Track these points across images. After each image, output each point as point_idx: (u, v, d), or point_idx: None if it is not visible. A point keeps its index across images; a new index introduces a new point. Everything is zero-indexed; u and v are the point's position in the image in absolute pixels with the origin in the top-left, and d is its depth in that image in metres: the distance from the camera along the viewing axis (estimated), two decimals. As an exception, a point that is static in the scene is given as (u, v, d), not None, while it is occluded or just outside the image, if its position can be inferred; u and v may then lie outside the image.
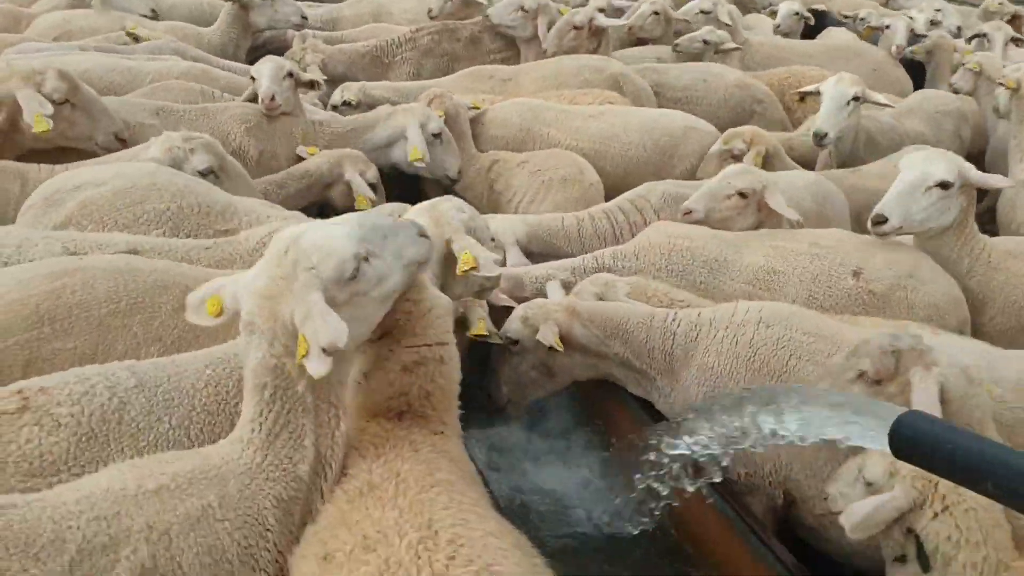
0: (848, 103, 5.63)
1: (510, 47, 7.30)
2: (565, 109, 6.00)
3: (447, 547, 2.06)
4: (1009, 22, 9.44)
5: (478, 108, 5.86)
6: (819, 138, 5.57)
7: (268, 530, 2.30)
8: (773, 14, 9.52)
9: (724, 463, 2.98)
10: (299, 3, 7.58)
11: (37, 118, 4.45)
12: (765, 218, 4.53)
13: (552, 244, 4.67)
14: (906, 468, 2.59)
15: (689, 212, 4.46)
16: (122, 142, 4.80)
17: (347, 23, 8.45)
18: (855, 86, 5.65)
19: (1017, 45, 8.34)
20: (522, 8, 7.08)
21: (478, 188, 5.52)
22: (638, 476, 3.19)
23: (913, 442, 2.03)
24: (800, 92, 6.49)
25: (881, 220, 4.13)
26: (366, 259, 2.35)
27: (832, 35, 9.31)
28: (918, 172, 4.14)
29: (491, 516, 2.33)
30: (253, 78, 5.28)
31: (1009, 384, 3.36)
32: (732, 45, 7.65)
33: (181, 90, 5.52)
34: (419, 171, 5.44)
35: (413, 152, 5.11)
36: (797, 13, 8.92)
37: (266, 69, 5.16)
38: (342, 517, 2.24)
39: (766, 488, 3.43)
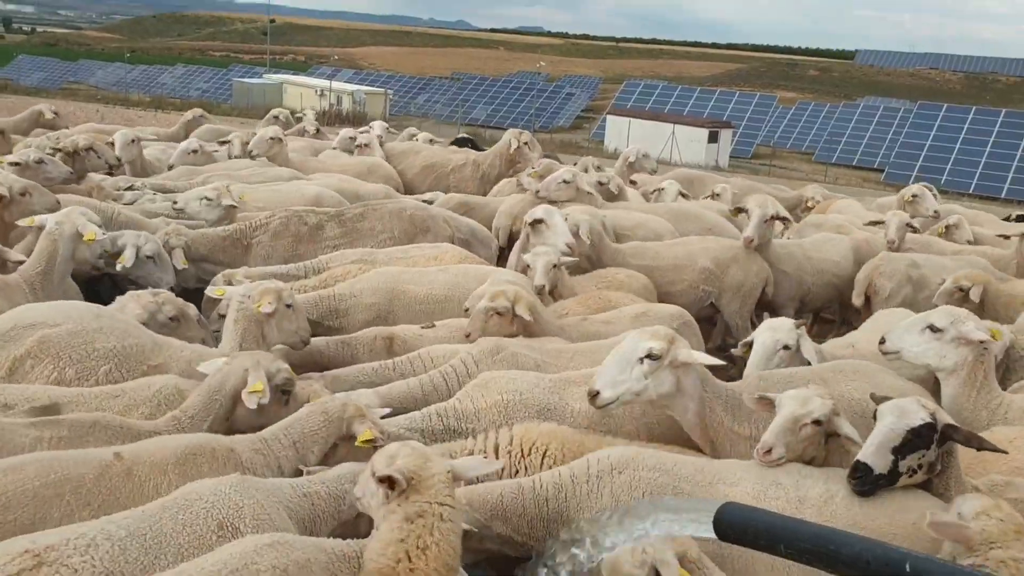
0: (641, 361, 4.34)
1: (346, 235, 8.01)
2: (419, 269, 6.92)
3: None
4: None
5: None
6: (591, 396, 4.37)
7: None
8: None
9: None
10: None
11: None
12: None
13: (402, 407, 5.07)
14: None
15: (769, 451, 3.99)
16: None
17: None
18: (653, 340, 4.36)
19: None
20: None
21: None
22: None
23: (731, 526, 2.88)
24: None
25: (882, 341, 5.04)
26: None
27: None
28: (924, 313, 5.03)
29: None
30: None
31: None
32: None
33: None
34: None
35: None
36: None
37: None
38: None
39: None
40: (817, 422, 4.01)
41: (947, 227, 10.03)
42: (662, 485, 3.84)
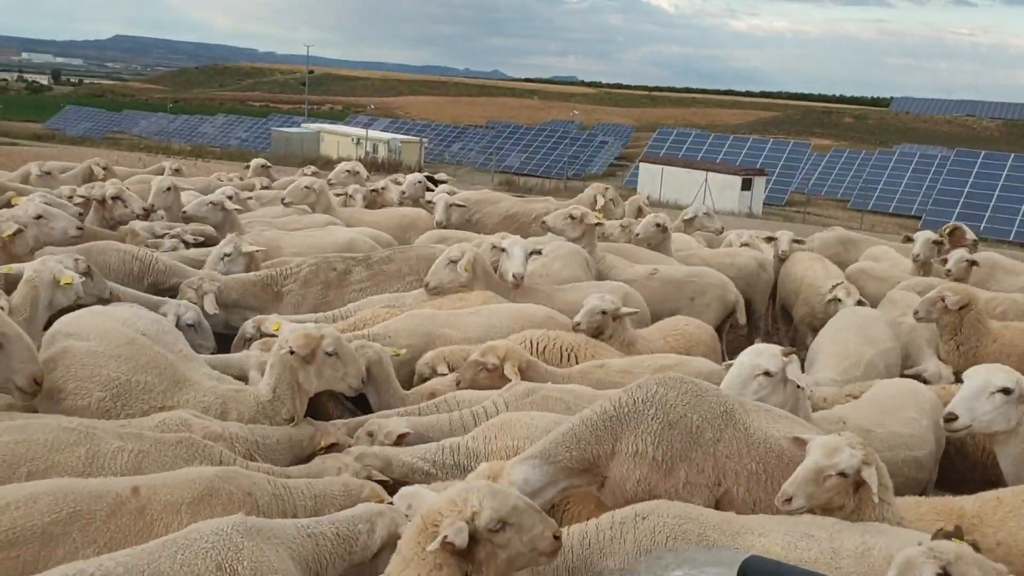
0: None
1: (373, 278, 8.04)
2: (452, 312, 6.98)
3: None
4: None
5: (399, 355, 6.26)
6: None
7: None
8: None
9: None
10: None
11: None
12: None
13: (427, 436, 5.15)
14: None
15: (789, 500, 3.93)
16: None
17: (241, 257, 8.42)
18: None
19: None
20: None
21: None
22: None
23: None
24: None
25: (952, 418, 4.92)
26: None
27: None
28: (981, 379, 4.95)
29: None
30: None
31: None
32: None
33: None
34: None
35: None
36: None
37: None
38: None
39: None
40: (843, 474, 3.90)
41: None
42: (687, 531, 3.75)
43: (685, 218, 12.42)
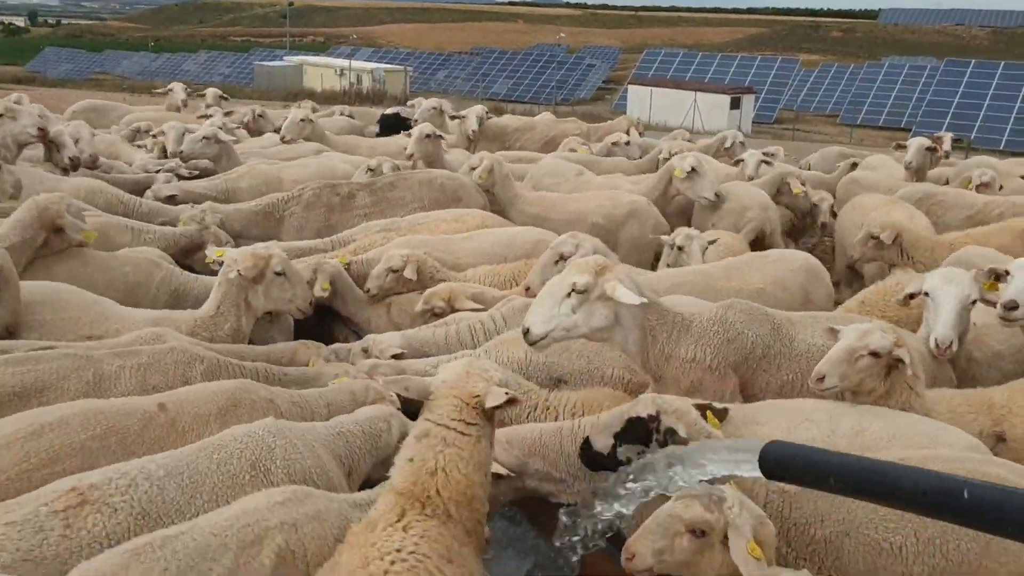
0: (568, 295, 4.23)
1: (377, 204, 8.12)
2: (446, 237, 7.11)
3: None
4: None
5: (346, 263, 6.56)
6: (524, 334, 4.39)
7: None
8: None
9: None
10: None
11: None
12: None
13: (423, 351, 5.33)
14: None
15: (821, 379, 4.07)
16: None
17: (243, 193, 8.70)
18: (579, 274, 4.30)
19: None
20: None
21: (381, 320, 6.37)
22: (559, 543, 3.59)
23: (776, 463, 2.79)
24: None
25: (1014, 305, 4.81)
26: None
27: None
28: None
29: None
30: None
31: None
32: None
33: None
34: None
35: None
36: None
37: None
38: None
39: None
40: (875, 354, 4.00)
41: (979, 186, 9.41)
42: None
43: (725, 146, 12.29)
